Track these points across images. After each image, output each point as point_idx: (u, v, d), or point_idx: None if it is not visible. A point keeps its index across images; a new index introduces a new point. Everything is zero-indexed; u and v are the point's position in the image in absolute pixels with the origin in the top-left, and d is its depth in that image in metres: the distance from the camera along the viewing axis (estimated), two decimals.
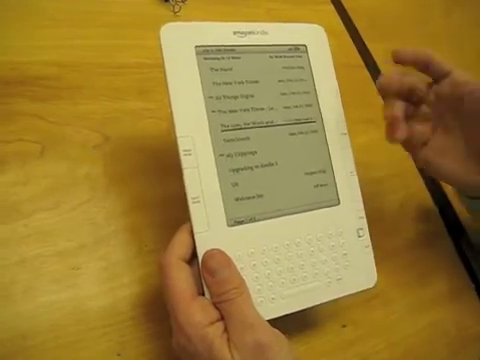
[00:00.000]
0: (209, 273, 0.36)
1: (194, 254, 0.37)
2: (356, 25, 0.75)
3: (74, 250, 0.42)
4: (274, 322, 0.37)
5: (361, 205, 0.44)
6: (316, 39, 0.45)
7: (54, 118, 0.47)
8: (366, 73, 0.71)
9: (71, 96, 0.49)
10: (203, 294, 0.36)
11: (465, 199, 0.51)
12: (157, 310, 0.37)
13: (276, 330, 0.36)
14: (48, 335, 0.38)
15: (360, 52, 0.72)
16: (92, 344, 0.39)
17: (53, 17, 0.53)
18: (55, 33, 0.52)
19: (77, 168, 0.45)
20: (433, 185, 0.64)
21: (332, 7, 0.75)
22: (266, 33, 0.43)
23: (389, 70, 0.45)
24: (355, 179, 0.44)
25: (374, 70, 0.71)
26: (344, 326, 0.47)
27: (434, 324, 0.51)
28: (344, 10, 0.76)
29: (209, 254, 0.36)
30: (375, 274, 0.44)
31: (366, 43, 0.73)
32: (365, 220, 0.44)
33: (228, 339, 0.34)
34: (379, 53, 0.73)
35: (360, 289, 0.43)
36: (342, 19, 0.74)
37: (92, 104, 0.50)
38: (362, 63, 0.71)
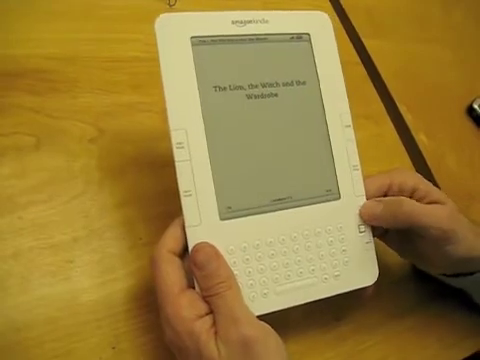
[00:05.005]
0: (197, 266, 0.36)
1: (187, 248, 0.37)
2: (353, 21, 0.75)
3: (68, 243, 0.42)
4: (267, 315, 0.37)
5: (364, 200, 0.43)
6: (320, 27, 0.44)
7: (51, 112, 0.47)
8: (362, 70, 0.70)
9: (68, 90, 0.49)
10: (194, 288, 0.36)
11: (445, 279, 0.49)
12: (151, 303, 0.37)
13: (265, 324, 0.35)
14: (43, 328, 0.38)
15: (356, 49, 0.72)
16: (86, 337, 0.39)
17: (51, 10, 0.53)
18: (54, 26, 0.52)
19: (72, 161, 0.45)
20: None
21: (328, 3, 0.75)
22: (267, 21, 0.42)
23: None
24: (358, 173, 0.43)
25: (370, 67, 0.71)
26: (338, 320, 0.47)
27: (428, 319, 0.51)
28: (340, 6, 0.76)
29: (197, 247, 0.36)
30: (376, 270, 0.43)
31: (362, 40, 0.73)
32: None
33: (215, 333, 0.34)
34: (376, 50, 0.73)
35: (360, 286, 0.42)
36: (338, 15, 0.74)
37: (88, 98, 0.50)
38: (358, 60, 0.71)
